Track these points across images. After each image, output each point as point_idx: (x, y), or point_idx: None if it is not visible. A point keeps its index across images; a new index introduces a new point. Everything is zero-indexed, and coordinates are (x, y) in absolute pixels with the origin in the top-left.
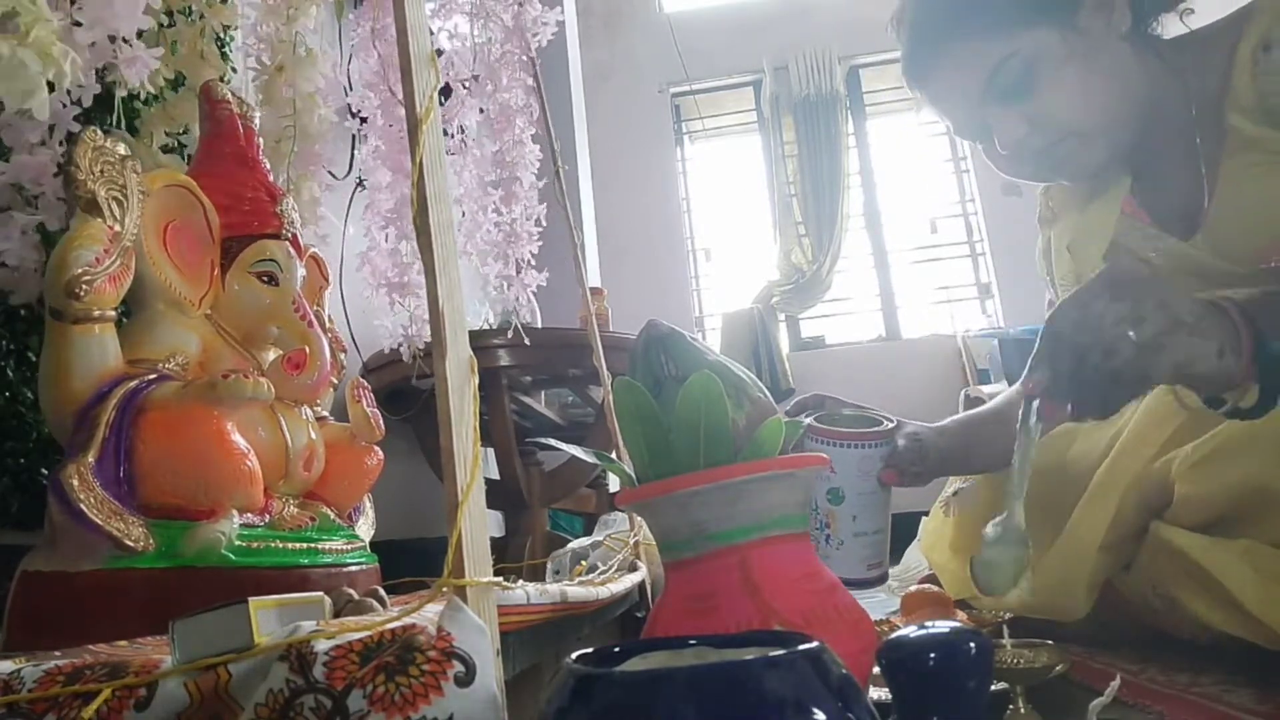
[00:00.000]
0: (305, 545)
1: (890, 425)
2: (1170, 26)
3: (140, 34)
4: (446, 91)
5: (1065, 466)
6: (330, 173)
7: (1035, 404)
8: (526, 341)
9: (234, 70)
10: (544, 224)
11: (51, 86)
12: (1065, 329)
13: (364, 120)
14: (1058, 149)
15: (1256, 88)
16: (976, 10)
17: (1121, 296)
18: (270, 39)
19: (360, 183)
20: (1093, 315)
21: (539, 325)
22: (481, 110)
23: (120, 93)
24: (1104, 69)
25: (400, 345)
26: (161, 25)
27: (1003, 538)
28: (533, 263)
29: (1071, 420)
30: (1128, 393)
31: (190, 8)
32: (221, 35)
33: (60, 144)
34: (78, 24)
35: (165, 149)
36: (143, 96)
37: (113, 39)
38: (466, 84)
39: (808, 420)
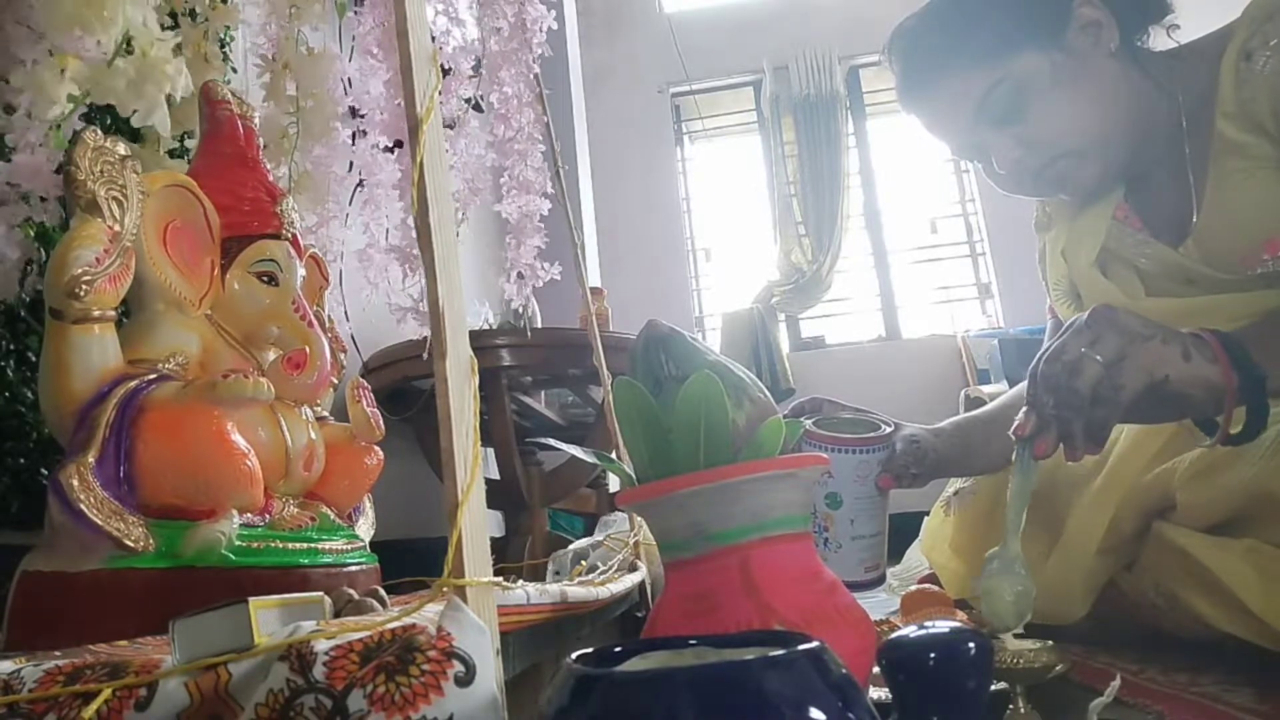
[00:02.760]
0: (305, 545)
1: (888, 429)
2: (1158, 42)
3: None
4: (445, 72)
5: (1057, 475)
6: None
7: (1028, 445)
8: (529, 335)
9: (234, 70)
10: (544, 226)
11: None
12: (1045, 369)
13: (363, 116)
14: (1053, 168)
15: (1238, 95)
16: (964, 39)
17: (1085, 328)
18: (276, 37)
19: (360, 182)
20: (1065, 350)
21: (539, 325)
22: (480, 108)
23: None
24: (1093, 88)
25: (413, 319)
26: (164, 28)
27: (1000, 569)
28: (540, 258)
29: (1068, 460)
30: (1110, 412)
31: (194, 10)
32: (223, 36)
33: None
34: None
35: (171, 153)
36: None
37: None
38: (457, 65)
39: (806, 424)
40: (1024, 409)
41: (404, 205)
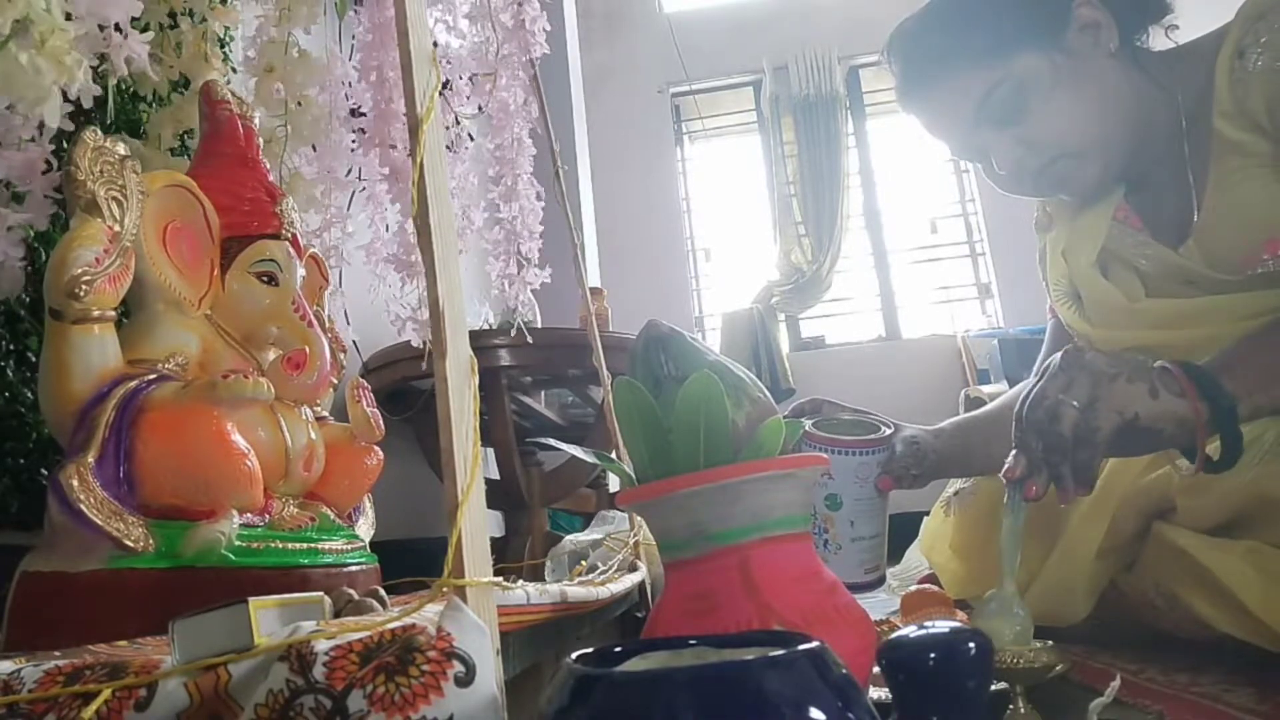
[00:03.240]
0: (305, 545)
1: (887, 431)
2: (1158, 42)
3: (145, 28)
4: (445, 85)
5: None
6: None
7: (1019, 487)
8: (530, 340)
9: (234, 70)
10: (542, 225)
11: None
12: (1029, 415)
13: (363, 114)
14: (1053, 168)
15: (1233, 94)
16: (964, 40)
17: (1060, 372)
18: (262, 41)
19: (360, 178)
20: (1045, 396)
21: (539, 325)
22: (480, 109)
23: (111, 81)
24: (1093, 88)
25: (411, 329)
26: (164, 27)
27: (998, 610)
28: (535, 260)
29: (1061, 502)
30: (1092, 453)
31: (192, 10)
32: (223, 37)
33: (51, 142)
34: (68, 16)
35: (173, 151)
36: (148, 98)
37: (102, 28)
38: (455, 79)
39: (806, 425)
40: (1013, 452)
41: (399, 208)
